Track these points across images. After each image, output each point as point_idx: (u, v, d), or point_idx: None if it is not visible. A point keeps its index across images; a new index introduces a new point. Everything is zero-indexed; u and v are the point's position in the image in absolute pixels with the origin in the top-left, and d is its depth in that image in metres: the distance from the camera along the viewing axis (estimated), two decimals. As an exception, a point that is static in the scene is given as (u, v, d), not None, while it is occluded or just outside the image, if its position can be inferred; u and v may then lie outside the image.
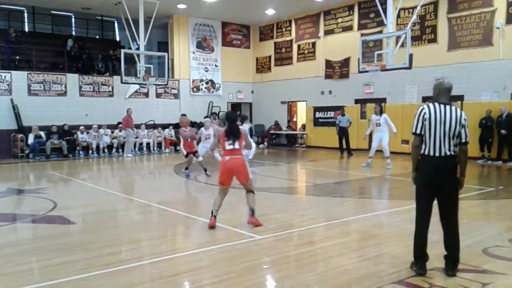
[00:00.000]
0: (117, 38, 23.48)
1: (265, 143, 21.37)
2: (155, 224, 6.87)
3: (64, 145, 16.59)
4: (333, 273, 4.38)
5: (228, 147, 6.03)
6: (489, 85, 14.51)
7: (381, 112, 12.32)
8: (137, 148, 18.18)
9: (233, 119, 6.22)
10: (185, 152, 11.26)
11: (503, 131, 13.31)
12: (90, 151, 17.20)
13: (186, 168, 11.45)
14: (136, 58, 16.73)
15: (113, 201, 8.56)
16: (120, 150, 17.61)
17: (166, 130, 19.36)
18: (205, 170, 11.05)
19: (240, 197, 8.69)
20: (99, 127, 17.70)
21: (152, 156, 17.80)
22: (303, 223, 6.40)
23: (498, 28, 14.34)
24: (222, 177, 6.06)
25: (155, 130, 19.05)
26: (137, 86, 18.97)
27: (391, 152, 12.74)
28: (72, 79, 18.22)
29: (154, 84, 18.32)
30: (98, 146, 17.34)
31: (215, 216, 5.99)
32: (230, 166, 5.99)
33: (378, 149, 12.57)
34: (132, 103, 18.94)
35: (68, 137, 16.87)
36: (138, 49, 16.86)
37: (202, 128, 11.49)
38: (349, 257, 4.89)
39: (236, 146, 6.01)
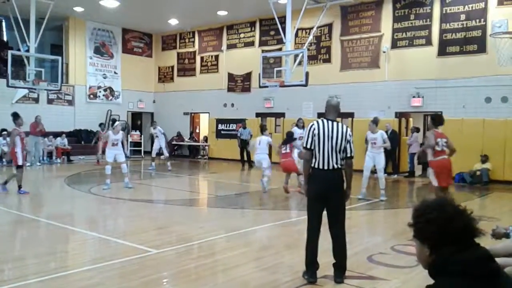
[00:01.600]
0: (4, 38, 21.56)
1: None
2: (43, 240, 6.38)
3: None
4: (231, 284, 4.43)
5: (283, 151, 9.85)
6: (376, 104, 15.79)
7: (303, 127, 12.69)
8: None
9: (290, 136, 10.12)
10: (20, 163, 9.78)
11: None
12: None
13: (20, 187, 9.72)
14: (26, 61, 15.49)
15: (-6, 216, 7.77)
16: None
17: (58, 138, 18.13)
18: (19, 187, 9.69)
19: (138, 212, 8.44)
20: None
21: (42, 166, 16.49)
22: (202, 235, 6.39)
23: (384, 52, 15.73)
24: (284, 171, 9.96)
25: (46, 139, 17.71)
26: (26, 91, 17.54)
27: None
28: None
29: (46, 89, 17.08)
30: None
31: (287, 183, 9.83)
32: (284, 167, 9.88)
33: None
34: (20, 108, 17.41)
35: None
36: (28, 51, 15.64)
37: (110, 132, 10.90)
38: (247, 268, 4.98)
39: (288, 150, 9.79)
